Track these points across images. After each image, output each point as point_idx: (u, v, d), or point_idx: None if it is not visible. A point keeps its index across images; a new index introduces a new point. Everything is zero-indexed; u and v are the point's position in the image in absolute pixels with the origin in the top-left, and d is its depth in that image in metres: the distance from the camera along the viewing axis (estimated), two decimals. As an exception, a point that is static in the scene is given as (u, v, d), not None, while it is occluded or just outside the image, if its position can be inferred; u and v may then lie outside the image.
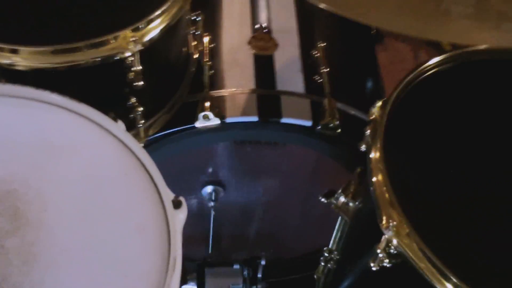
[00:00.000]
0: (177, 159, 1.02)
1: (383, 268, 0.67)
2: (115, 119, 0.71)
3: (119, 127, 0.70)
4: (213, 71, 1.01)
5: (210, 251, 1.03)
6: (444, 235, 0.67)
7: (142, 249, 0.59)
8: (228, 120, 0.95)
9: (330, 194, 0.90)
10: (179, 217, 0.62)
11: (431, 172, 0.74)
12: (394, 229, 0.65)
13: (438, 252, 0.63)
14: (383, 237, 0.66)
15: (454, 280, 0.61)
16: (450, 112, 0.81)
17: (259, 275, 1.05)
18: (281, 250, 1.22)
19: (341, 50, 1.15)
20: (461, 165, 0.74)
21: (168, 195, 0.64)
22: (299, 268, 1.20)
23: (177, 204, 0.63)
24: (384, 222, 0.66)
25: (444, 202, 0.70)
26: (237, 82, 1.01)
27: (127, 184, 0.65)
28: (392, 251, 0.65)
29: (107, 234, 0.59)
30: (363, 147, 0.78)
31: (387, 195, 0.68)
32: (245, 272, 1.03)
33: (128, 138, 0.69)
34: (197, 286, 1.01)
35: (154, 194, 0.64)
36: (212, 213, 1.08)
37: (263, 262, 1.06)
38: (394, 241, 0.65)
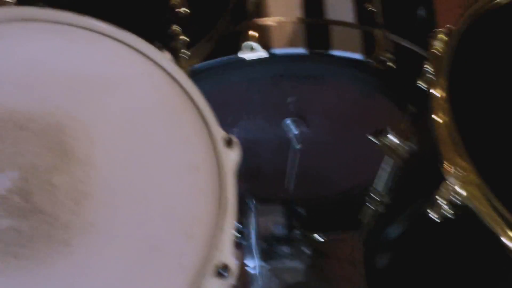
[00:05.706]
0: (215, 92, 0.97)
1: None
2: (160, 48, 0.67)
3: (165, 57, 0.66)
4: (258, -3, 0.95)
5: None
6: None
7: (194, 190, 0.56)
8: (274, 51, 0.89)
9: (379, 133, 0.86)
10: (231, 157, 0.59)
11: (498, 113, 0.68)
12: (459, 175, 0.60)
13: (506, 203, 0.58)
14: (443, 184, 0.62)
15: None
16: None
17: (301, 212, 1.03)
18: (320, 187, 1.20)
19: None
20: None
21: (219, 133, 0.60)
22: (338, 206, 1.17)
23: (228, 143, 0.60)
24: (447, 167, 0.62)
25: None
26: (283, 10, 0.94)
27: (176, 120, 0.61)
28: (453, 199, 0.61)
29: (156, 174, 0.56)
30: (422, 84, 0.72)
31: (451, 138, 0.63)
32: (288, 210, 1.01)
33: (175, 70, 0.64)
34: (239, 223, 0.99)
35: (204, 132, 0.60)
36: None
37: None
38: (457, 188, 0.60)
